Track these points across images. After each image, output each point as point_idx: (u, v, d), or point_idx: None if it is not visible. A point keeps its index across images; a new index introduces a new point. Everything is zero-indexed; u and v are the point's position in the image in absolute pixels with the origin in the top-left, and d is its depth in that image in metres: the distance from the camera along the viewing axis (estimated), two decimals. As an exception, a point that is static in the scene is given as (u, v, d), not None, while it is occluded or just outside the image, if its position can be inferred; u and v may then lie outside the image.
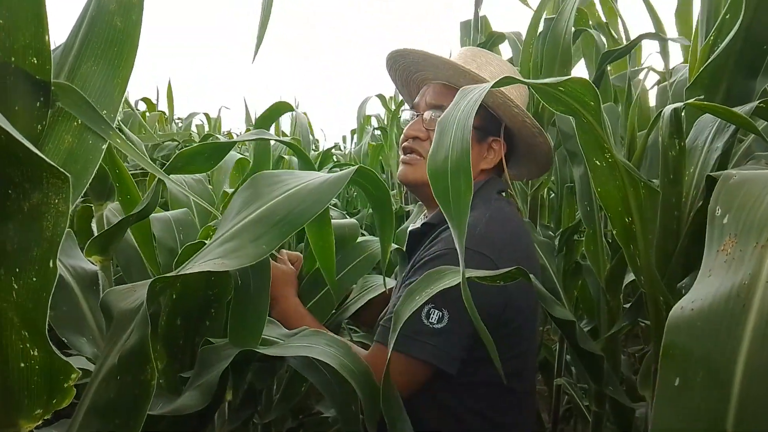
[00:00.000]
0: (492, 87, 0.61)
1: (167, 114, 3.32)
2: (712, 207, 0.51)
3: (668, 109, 0.82)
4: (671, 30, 1.70)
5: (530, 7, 1.95)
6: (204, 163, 0.91)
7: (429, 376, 1.00)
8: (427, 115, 1.19)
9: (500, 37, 1.96)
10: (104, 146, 0.51)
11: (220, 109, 4.16)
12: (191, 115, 3.51)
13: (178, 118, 3.62)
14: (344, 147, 4.81)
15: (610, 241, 1.55)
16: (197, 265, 0.65)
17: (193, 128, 3.83)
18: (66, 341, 0.84)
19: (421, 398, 1.01)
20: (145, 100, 3.24)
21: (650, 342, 0.91)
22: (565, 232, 1.76)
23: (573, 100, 0.72)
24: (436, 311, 0.96)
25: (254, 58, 0.60)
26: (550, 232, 1.92)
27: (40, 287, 0.44)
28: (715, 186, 0.52)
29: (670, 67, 1.88)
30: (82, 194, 0.50)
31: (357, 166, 0.77)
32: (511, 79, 0.65)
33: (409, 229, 1.25)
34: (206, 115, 3.73)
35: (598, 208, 1.47)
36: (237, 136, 4.78)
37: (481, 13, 1.97)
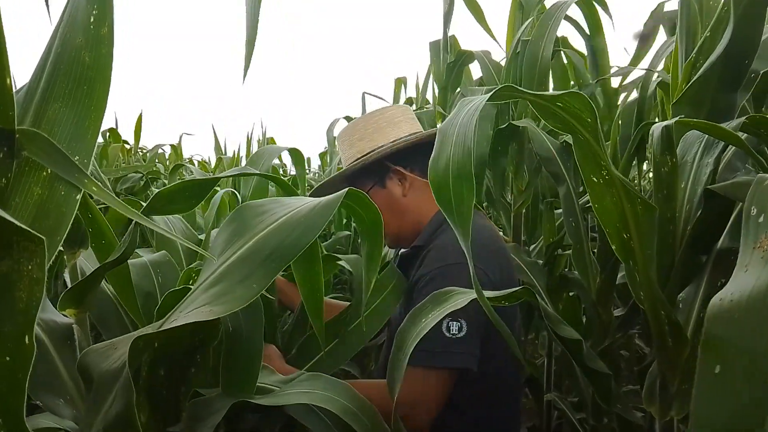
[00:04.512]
0: (489, 99, 0.61)
1: (132, 144, 3.20)
2: (747, 207, 0.53)
3: (658, 126, 0.81)
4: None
5: (495, 39, 1.97)
6: (186, 202, 0.85)
7: (455, 381, 1.09)
8: None
9: (469, 57, 1.97)
10: (78, 196, 0.46)
11: (181, 137, 4.05)
12: (157, 147, 3.39)
13: (140, 148, 3.49)
14: (309, 170, 4.74)
15: (594, 252, 1.55)
16: (183, 315, 0.59)
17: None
18: (40, 404, 0.76)
19: None
20: (111, 131, 3.11)
21: (653, 355, 0.89)
22: (550, 248, 1.75)
23: (570, 116, 0.71)
24: (455, 322, 1.06)
25: (244, 78, 0.55)
26: (527, 247, 1.92)
27: (16, 367, 0.38)
28: (750, 189, 0.54)
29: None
30: (55, 253, 0.44)
31: (347, 188, 0.72)
32: (515, 91, 0.65)
33: (401, 252, 1.32)
34: (173, 146, 3.60)
35: (584, 224, 1.48)
36: (200, 161, 4.65)
37: (449, 33, 1.98)
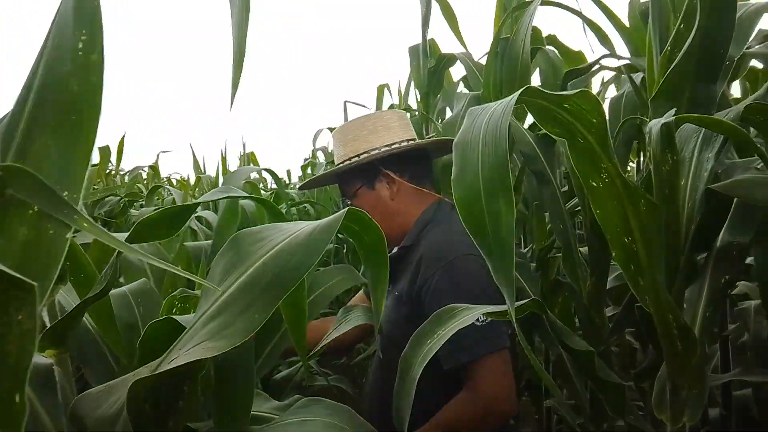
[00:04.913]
0: (516, 102, 0.58)
1: (113, 166, 3.12)
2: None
3: (656, 123, 0.80)
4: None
5: (465, 47, 1.97)
6: (168, 229, 0.82)
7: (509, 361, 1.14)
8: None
9: (451, 60, 1.95)
10: (69, 235, 0.42)
11: (158, 156, 3.97)
12: (136, 168, 3.31)
13: (120, 170, 3.40)
14: (290, 182, 4.67)
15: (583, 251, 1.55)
16: (184, 354, 0.55)
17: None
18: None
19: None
20: (102, 150, 3.03)
21: (662, 361, 0.88)
22: (542, 251, 1.74)
23: (574, 119, 0.69)
24: None
25: (231, 104, 0.52)
26: (521, 250, 1.90)
27: (5, 430, 0.34)
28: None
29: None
30: (47, 298, 0.40)
31: (347, 208, 0.70)
32: (537, 93, 0.63)
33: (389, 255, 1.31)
34: (153, 168, 3.51)
35: (571, 225, 1.47)
36: (180, 179, 4.55)
37: (428, 37, 1.96)
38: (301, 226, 0.67)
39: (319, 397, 0.79)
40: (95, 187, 2.54)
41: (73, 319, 0.73)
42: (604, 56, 1.40)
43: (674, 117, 0.77)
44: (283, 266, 0.62)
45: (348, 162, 1.34)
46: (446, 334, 0.71)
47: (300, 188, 1.53)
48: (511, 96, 0.59)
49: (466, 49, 1.90)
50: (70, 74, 0.41)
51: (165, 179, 3.61)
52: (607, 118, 1.62)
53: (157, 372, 0.53)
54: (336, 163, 1.40)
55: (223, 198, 1.01)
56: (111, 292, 0.97)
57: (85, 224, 0.43)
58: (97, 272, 0.83)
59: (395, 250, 1.33)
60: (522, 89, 0.60)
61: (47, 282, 0.40)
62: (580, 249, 1.55)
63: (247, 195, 0.85)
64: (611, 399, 0.82)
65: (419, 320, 1.18)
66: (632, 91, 1.56)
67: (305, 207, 2.85)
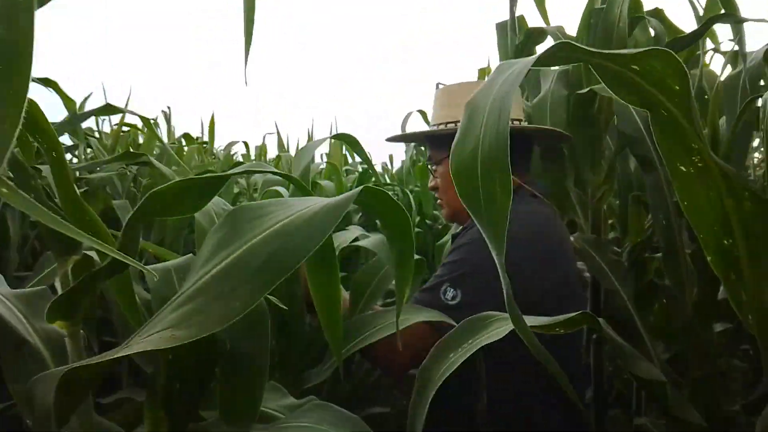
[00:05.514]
0: (538, 63, 0.45)
1: (208, 145, 3.25)
2: None
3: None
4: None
5: (547, 22, 1.76)
6: (191, 204, 0.74)
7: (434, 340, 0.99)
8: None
9: (540, 35, 1.75)
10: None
11: (264, 137, 4.09)
12: (230, 144, 3.40)
13: (217, 148, 3.53)
14: (392, 166, 4.62)
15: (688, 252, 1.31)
16: (142, 341, 0.49)
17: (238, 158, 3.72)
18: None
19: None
20: (185, 135, 3.18)
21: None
22: (634, 249, 1.52)
23: (650, 84, 0.53)
24: (451, 289, 1.04)
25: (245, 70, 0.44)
26: (614, 247, 1.69)
27: None
28: None
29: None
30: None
31: (362, 186, 0.60)
32: (574, 50, 0.49)
33: (452, 234, 1.35)
34: (245, 143, 3.59)
35: (678, 221, 1.25)
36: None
37: (517, 12, 1.79)
38: (310, 203, 0.58)
39: (328, 403, 0.71)
40: (194, 164, 2.64)
41: (83, 292, 0.71)
42: (715, 16, 1.15)
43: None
44: (278, 248, 0.54)
45: (443, 126, 1.28)
46: (473, 347, 0.59)
47: (387, 140, 1.49)
48: (529, 58, 0.46)
49: (547, 24, 1.71)
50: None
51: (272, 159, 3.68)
52: (723, 101, 1.37)
53: (98, 362, 0.46)
54: (431, 123, 1.34)
55: (243, 173, 0.95)
56: (154, 266, 0.96)
57: (3, 189, 0.37)
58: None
59: (459, 229, 1.27)
60: (554, 44, 0.47)
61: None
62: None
63: (272, 170, 0.77)
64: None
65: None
66: (753, 66, 1.27)
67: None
